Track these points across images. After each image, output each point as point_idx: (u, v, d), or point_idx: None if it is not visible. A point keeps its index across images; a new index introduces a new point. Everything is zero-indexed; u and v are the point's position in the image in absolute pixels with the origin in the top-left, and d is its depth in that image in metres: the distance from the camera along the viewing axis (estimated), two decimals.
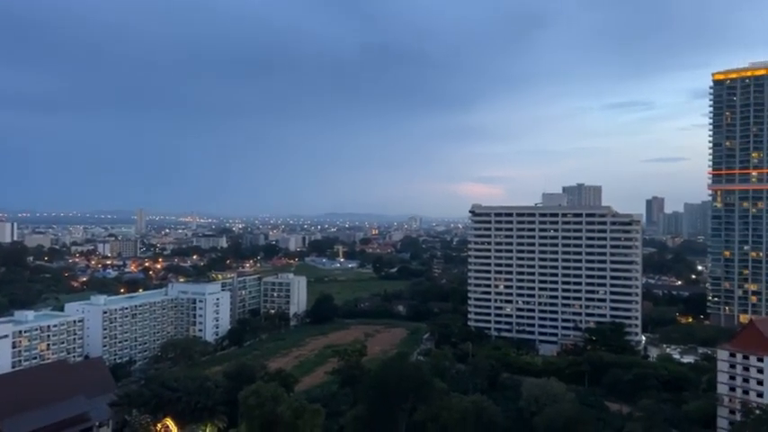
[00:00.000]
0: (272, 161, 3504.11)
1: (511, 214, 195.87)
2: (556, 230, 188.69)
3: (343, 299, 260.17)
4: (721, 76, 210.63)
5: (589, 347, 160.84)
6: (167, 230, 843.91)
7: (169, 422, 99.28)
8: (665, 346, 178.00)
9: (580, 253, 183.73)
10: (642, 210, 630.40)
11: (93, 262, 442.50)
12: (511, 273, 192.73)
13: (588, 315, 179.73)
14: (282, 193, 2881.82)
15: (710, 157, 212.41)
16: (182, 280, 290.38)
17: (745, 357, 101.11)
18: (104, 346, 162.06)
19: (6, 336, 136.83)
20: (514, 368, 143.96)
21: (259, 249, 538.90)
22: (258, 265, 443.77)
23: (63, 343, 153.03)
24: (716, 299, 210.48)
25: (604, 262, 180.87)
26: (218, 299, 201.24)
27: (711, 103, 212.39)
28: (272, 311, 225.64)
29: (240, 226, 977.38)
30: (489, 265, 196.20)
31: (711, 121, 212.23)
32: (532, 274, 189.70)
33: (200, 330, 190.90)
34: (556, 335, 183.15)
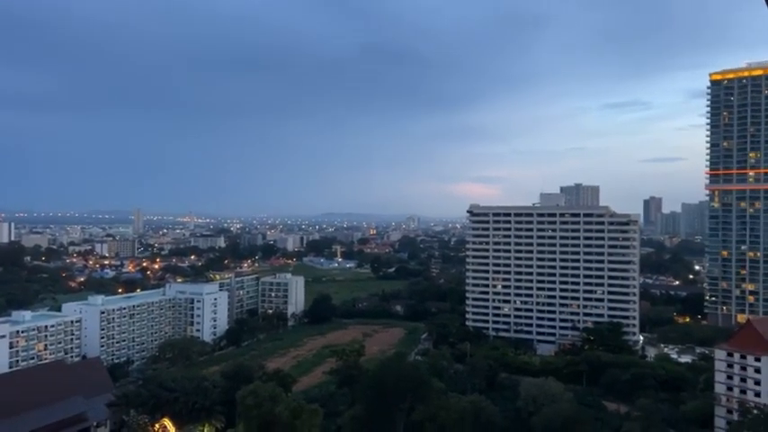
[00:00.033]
0: (271, 161, 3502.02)
1: (509, 214, 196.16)
2: (554, 230, 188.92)
3: (340, 299, 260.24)
4: (719, 77, 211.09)
5: (587, 347, 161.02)
6: (165, 230, 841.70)
7: (167, 422, 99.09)
8: (662, 345, 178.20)
9: (578, 253, 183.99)
10: (640, 210, 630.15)
11: (90, 262, 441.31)
12: (509, 273, 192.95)
13: (586, 315, 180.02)
14: (280, 193, 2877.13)
15: (708, 157, 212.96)
16: (179, 280, 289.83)
17: (743, 357, 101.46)
18: (102, 346, 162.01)
19: (4, 336, 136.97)
20: (512, 368, 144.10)
21: (257, 249, 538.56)
22: (256, 265, 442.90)
23: (60, 343, 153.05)
24: (713, 299, 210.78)
25: (602, 262, 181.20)
26: (215, 299, 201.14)
27: (709, 103, 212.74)
28: (270, 311, 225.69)
29: (238, 226, 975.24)
30: (487, 264, 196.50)
31: (709, 121, 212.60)
32: (530, 273, 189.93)
33: (198, 330, 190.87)
34: (554, 335, 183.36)
